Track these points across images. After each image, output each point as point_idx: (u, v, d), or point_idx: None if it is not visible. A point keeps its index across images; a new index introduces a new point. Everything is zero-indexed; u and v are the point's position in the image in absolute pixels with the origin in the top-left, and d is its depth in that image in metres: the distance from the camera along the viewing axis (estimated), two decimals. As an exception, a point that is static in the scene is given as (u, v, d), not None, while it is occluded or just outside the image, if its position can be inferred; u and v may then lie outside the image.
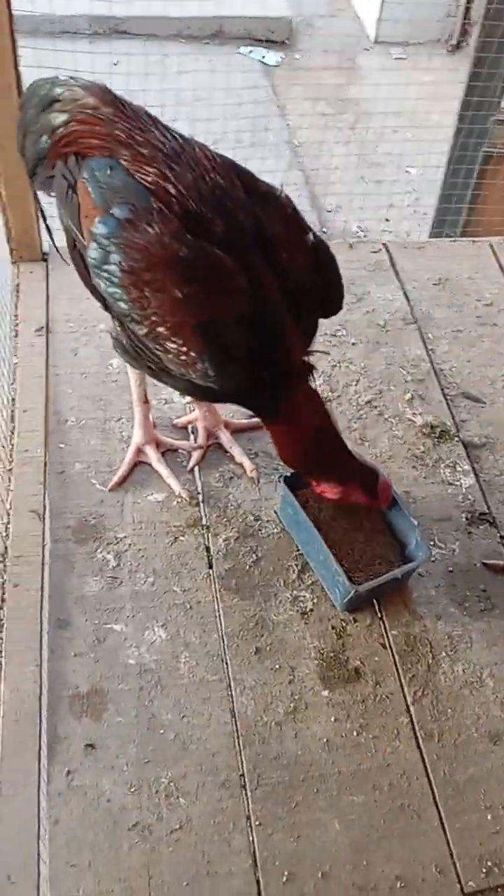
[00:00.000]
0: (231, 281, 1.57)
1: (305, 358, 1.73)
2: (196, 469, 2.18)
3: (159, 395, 2.29)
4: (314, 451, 1.79)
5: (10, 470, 2.09)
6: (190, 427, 2.25)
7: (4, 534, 1.98)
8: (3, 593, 1.87)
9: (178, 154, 1.61)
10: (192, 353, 1.58)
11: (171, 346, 1.60)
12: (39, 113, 1.70)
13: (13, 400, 2.25)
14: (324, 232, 4.60)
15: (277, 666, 1.84)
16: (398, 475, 2.22)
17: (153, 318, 1.59)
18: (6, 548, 1.95)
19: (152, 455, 2.14)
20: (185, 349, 1.58)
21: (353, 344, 2.54)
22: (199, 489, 2.14)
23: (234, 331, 1.57)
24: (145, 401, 2.10)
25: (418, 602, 1.98)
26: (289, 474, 2.01)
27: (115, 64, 5.27)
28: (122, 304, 1.61)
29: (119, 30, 6.45)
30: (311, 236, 1.72)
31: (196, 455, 2.19)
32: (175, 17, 6.18)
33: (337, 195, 4.75)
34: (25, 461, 2.11)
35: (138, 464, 2.15)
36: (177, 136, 1.66)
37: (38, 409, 2.23)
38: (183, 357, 1.60)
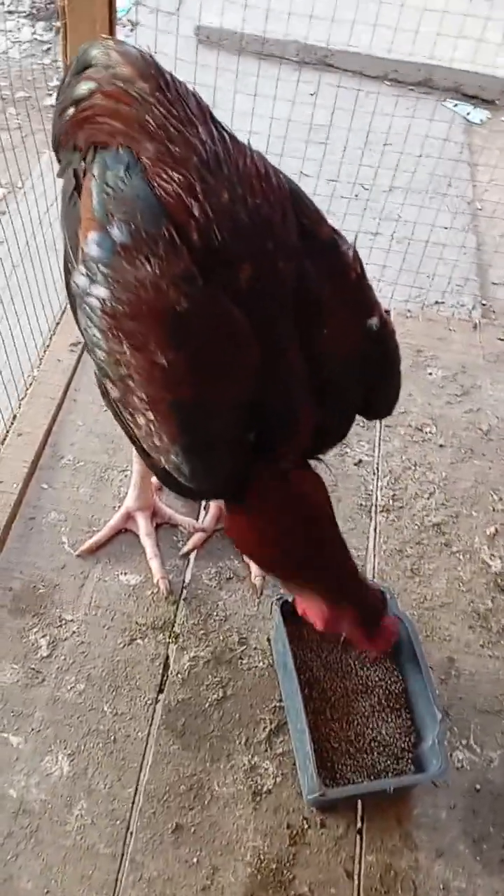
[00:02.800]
0: (239, 353, 1.12)
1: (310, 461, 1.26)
2: (192, 556, 1.73)
3: (180, 454, 1.86)
4: (293, 547, 1.27)
5: (-28, 501, 1.73)
6: (202, 503, 1.81)
7: None
8: None
9: (219, 162, 1.17)
10: (165, 438, 1.14)
11: (141, 421, 1.17)
12: (72, 77, 1.33)
13: (13, 418, 1.90)
14: (483, 304, 4.09)
15: (196, 860, 1.34)
16: (446, 632, 1.68)
17: (127, 382, 1.16)
18: None
19: (142, 524, 1.72)
20: (157, 431, 1.15)
21: (441, 446, 2.01)
22: (185, 582, 1.68)
23: (224, 420, 1.13)
24: (148, 458, 1.68)
25: (418, 823, 1.43)
26: (290, 598, 1.52)
27: (311, 94, 5.00)
28: (100, 353, 1.20)
29: (326, 62, 6.24)
30: (375, 319, 1.24)
31: (196, 538, 1.74)
32: (384, 59, 5.89)
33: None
34: (-6, 494, 1.74)
35: (124, 531, 1.73)
36: (227, 138, 1.23)
37: (35, 438, 1.86)
38: (155, 441, 1.16)
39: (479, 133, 6.16)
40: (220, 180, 1.16)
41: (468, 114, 6.16)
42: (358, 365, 1.23)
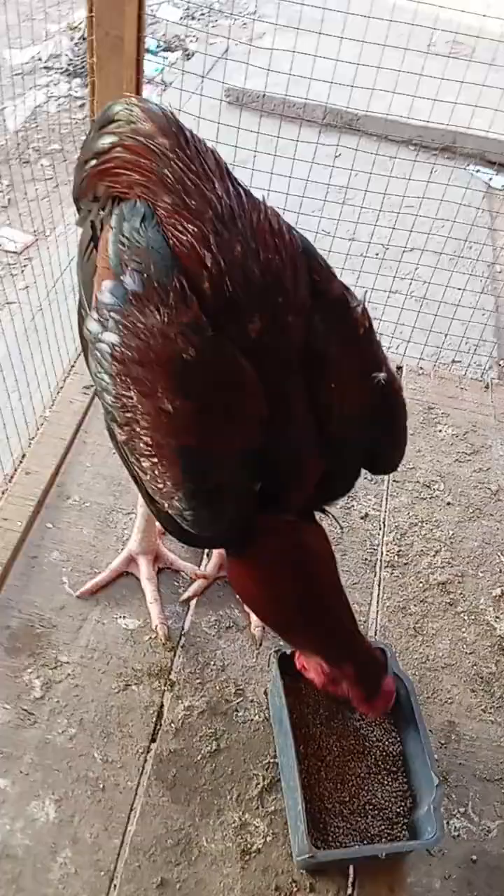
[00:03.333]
0: (245, 403, 1.13)
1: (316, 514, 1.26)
2: (192, 603, 1.71)
3: (186, 500, 1.86)
4: (292, 601, 1.26)
5: (-24, 537, 1.73)
6: (206, 550, 1.80)
7: None
8: None
9: (233, 216, 1.20)
10: (169, 484, 1.14)
11: (146, 465, 1.18)
12: (95, 132, 1.38)
13: (23, 457, 1.91)
14: (500, 365, 4.13)
15: (179, 918, 1.30)
16: (448, 695, 1.64)
17: (134, 427, 1.17)
18: None
19: (144, 568, 1.71)
20: (161, 476, 1.15)
21: (448, 504, 2.00)
22: (184, 629, 1.67)
23: (229, 467, 1.13)
24: (153, 501, 1.68)
25: (411, 892, 1.38)
26: (288, 651, 1.50)
27: (337, 155, 5.14)
28: (108, 398, 1.21)
29: (352, 126, 6.42)
30: (382, 374, 1.25)
31: (197, 585, 1.73)
32: (409, 124, 6.05)
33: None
34: (-1, 531, 1.75)
35: (126, 574, 1.72)
36: (242, 194, 1.26)
37: (43, 478, 1.87)
38: (160, 485, 1.17)
39: (500, 199, 6.30)
40: (234, 234, 1.18)
41: (490, 179, 6.29)
42: (364, 419, 1.23)
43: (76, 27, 6.26)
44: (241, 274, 1.15)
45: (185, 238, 1.17)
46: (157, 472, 1.15)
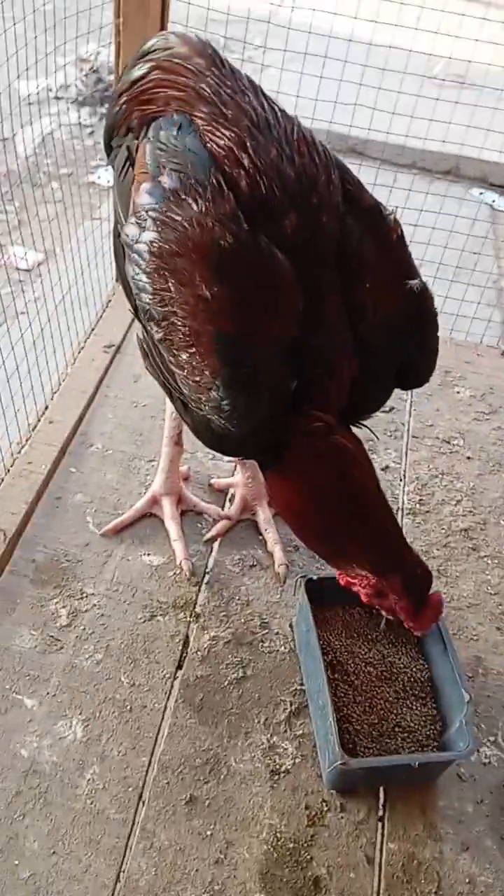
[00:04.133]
0: (281, 294, 1.15)
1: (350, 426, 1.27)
2: (216, 543, 1.71)
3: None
4: (335, 508, 1.25)
5: (1, 479, 1.73)
6: (230, 493, 1.81)
7: (-41, 546, 1.60)
8: None
9: (268, 125, 1.24)
10: (207, 373, 1.16)
11: (184, 358, 1.19)
12: (128, 70, 1.42)
13: (45, 407, 1.93)
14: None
15: (209, 832, 1.28)
16: (474, 632, 1.64)
17: (172, 319, 1.19)
18: (-50, 560, 1.57)
19: (168, 509, 1.71)
20: (199, 366, 1.16)
21: (468, 458, 2.00)
22: (208, 567, 1.67)
23: (265, 356, 1.14)
24: (178, 442, 1.69)
25: (444, 815, 1.36)
26: (315, 577, 1.50)
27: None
28: (145, 296, 1.23)
29: (356, 150, 6.55)
30: (416, 281, 1.27)
31: (220, 525, 1.73)
32: (413, 148, 6.17)
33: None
34: (23, 473, 1.75)
35: (149, 515, 1.73)
36: (276, 109, 1.30)
37: (66, 425, 1.88)
38: (196, 377, 1.18)
39: (503, 219, 6.39)
40: (270, 140, 1.22)
41: (493, 201, 6.39)
42: (398, 324, 1.25)
43: (86, 59, 6.44)
44: (277, 175, 1.19)
45: (222, 142, 1.20)
46: (194, 363, 1.16)
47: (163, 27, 1.93)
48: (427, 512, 1.86)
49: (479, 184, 6.82)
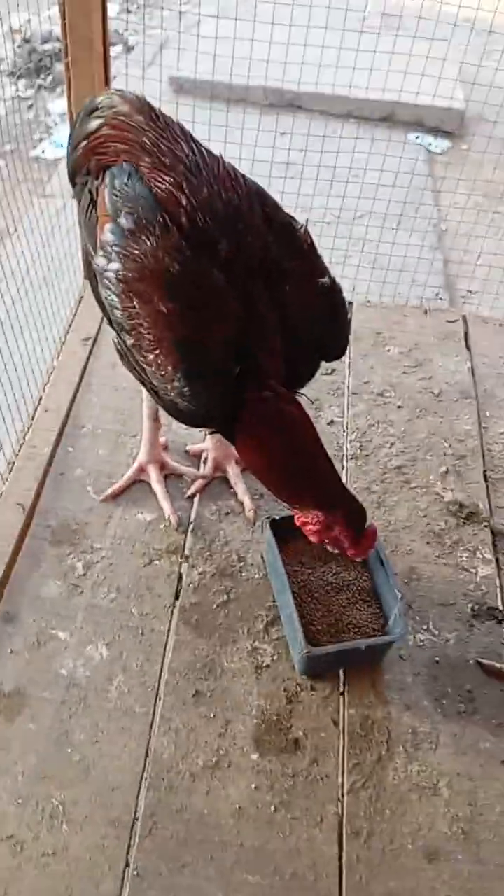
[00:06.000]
0: (221, 303, 1.51)
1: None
2: (196, 498, 2.10)
3: (181, 420, 2.24)
4: (282, 460, 1.60)
5: (12, 463, 2.09)
6: (203, 456, 2.19)
7: (-13, 520, 1.97)
8: (-37, 575, 1.85)
9: (199, 168, 1.59)
10: (169, 368, 1.52)
11: (150, 358, 1.55)
12: (82, 121, 1.75)
13: (40, 399, 2.28)
14: (441, 298, 4.50)
15: (212, 714, 1.69)
16: (408, 548, 2.04)
17: (139, 330, 1.55)
18: (-18, 532, 1.93)
19: (153, 474, 2.09)
20: (163, 363, 1.53)
21: (399, 407, 2.39)
22: (191, 518, 2.05)
23: (212, 350, 1.51)
24: (155, 419, 2.06)
25: (389, 686, 1.78)
26: (277, 517, 1.89)
27: (282, 134, 5.47)
28: (117, 312, 1.59)
29: (294, 104, 6.75)
30: (326, 279, 1.64)
31: (198, 483, 2.11)
32: (348, 97, 6.38)
33: (475, 281, 4.63)
34: (30, 456, 2.11)
35: (138, 482, 2.10)
36: (204, 152, 1.65)
37: (60, 412, 2.24)
38: (162, 372, 1.54)
39: (440, 162, 6.68)
40: (201, 181, 1.57)
41: (430, 144, 6.66)
42: (314, 313, 1.62)
43: (17, 31, 6.51)
44: (210, 209, 1.54)
45: (163, 186, 1.54)
46: (159, 362, 1.52)
47: (106, 63, 2.23)
48: (367, 456, 2.25)
49: (416, 128, 7.07)
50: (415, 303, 2.87)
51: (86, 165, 1.72)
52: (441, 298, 3.36)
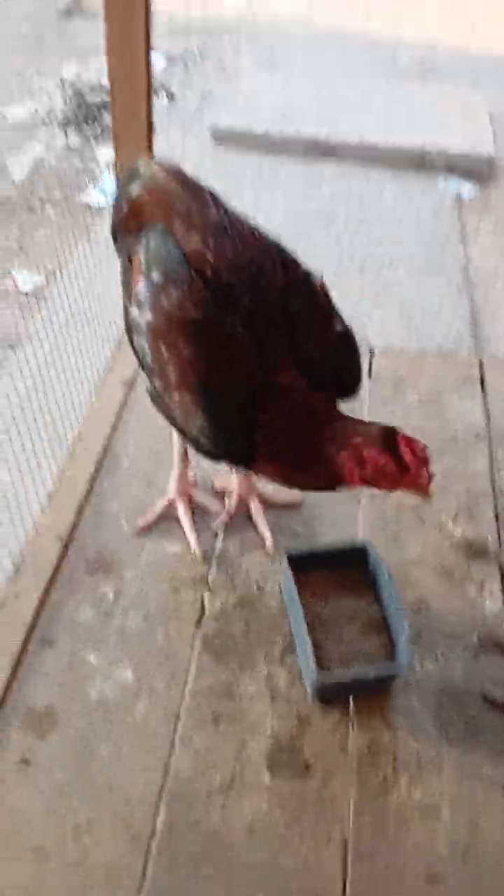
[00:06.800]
0: (239, 349, 1.67)
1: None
2: (220, 531, 2.24)
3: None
4: (301, 458, 1.66)
5: (52, 496, 2.26)
6: (228, 492, 2.33)
7: (27, 550, 2.13)
8: (3, 601, 2.01)
9: (225, 229, 1.77)
10: (191, 406, 1.68)
11: (176, 399, 1.72)
12: (122, 186, 1.95)
13: (79, 435, 2.46)
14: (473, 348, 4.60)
15: (230, 735, 1.81)
16: (418, 580, 2.15)
17: (166, 373, 1.72)
18: (23, 560, 2.10)
19: (181, 509, 2.24)
20: (186, 403, 1.69)
21: (416, 448, 2.51)
22: (215, 550, 2.19)
23: (229, 393, 1.67)
24: (185, 457, 2.22)
25: (397, 711, 1.88)
26: (294, 552, 2.02)
27: (316, 182, 5.69)
28: (147, 359, 1.77)
29: (328, 153, 7.00)
30: (339, 325, 1.80)
31: (222, 518, 2.25)
32: (380, 146, 6.60)
33: (498, 323, 4.73)
34: (68, 490, 2.29)
35: (167, 515, 2.25)
36: (230, 215, 1.83)
37: (97, 449, 2.41)
38: (186, 412, 1.71)
39: (469, 207, 6.81)
40: (227, 240, 1.75)
41: (459, 190, 6.82)
42: (330, 357, 1.77)
43: (68, 81, 6.88)
44: (234, 266, 1.71)
45: (192, 246, 1.73)
46: (184, 403, 1.69)
47: (149, 127, 2.44)
48: (383, 494, 2.37)
49: (446, 174, 7.23)
50: (441, 344, 3.00)
51: (125, 227, 1.91)
52: (459, 343, 3.48)
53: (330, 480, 1.65)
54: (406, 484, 1.60)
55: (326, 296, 1.81)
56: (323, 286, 1.81)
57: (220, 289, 1.69)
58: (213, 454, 1.80)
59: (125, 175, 1.97)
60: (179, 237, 1.75)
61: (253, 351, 1.68)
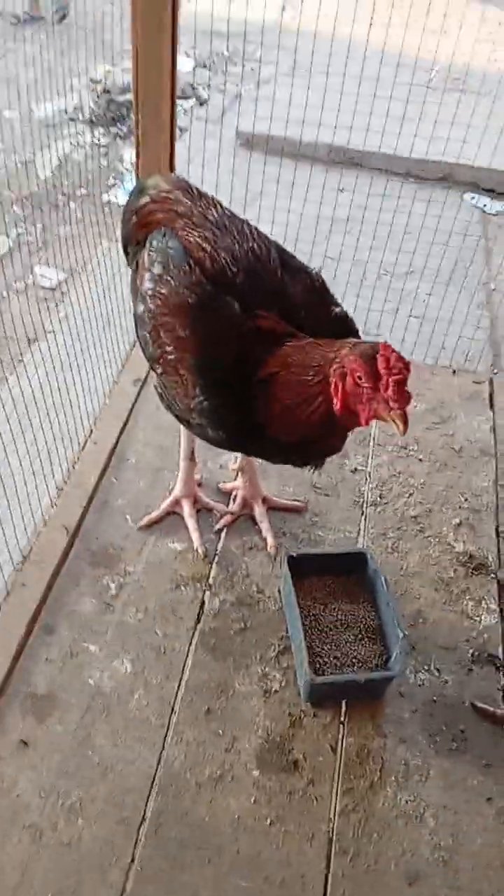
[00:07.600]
0: (236, 327, 1.72)
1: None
2: (223, 532, 2.28)
3: (216, 460, 2.45)
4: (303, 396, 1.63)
5: (61, 489, 2.31)
6: (232, 493, 2.37)
7: (35, 541, 2.18)
8: (9, 589, 2.06)
9: (225, 225, 1.87)
10: (190, 386, 1.75)
11: (175, 378, 1.78)
12: (132, 198, 2.04)
13: (91, 432, 2.50)
14: (494, 372, 4.61)
15: (221, 731, 1.85)
16: (417, 593, 2.19)
17: (166, 357, 1.80)
18: (31, 550, 2.14)
19: (186, 508, 2.28)
20: (185, 382, 1.76)
21: (420, 460, 2.55)
22: (217, 550, 2.23)
23: (224, 369, 1.72)
24: (191, 458, 2.26)
25: (388, 719, 1.92)
26: (295, 555, 2.06)
27: (340, 190, 5.72)
28: (149, 347, 1.84)
29: (354, 161, 7.03)
30: (339, 308, 1.85)
31: (226, 519, 2.29)
32: (408, 158, 6.63)
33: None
34: (77, 484, 2.33)
35: (172, 513, 2.30)
36: (230, 215, 1.92)
37: (107, 446, 2.46)
38: (183, 390, 1.77)
39: (494, 222, 6.83)
40: (225, 234, 1.83)
41: (485, 205, 6.83)
42: (330, 334, 1.75)
43: (98, 81, 6.96)
44: (231, 254, 1.79)
45: (192, 239, 1.82)
46: (182, 382, 1.76)
47: (172, 131, 2.49)
48: (385, 503, 2.41)
49: (472, 189, 7.24)
50: (456, 359, 3.04)
51: (134, 237, 2.00)
52: (469, 360, 3.50)
53: (328, 409, 1.58)
54: (378, 400, 1.49)
55: (323, 284, 1.86)
56: (318, 275, 1.87)
57: (217, 273, 1.76)
58: (220, 438, 1.82)
59: (133, 190, 2.09)
60: (180, 233, 1.84)
61: (249, 324, 1.72)
